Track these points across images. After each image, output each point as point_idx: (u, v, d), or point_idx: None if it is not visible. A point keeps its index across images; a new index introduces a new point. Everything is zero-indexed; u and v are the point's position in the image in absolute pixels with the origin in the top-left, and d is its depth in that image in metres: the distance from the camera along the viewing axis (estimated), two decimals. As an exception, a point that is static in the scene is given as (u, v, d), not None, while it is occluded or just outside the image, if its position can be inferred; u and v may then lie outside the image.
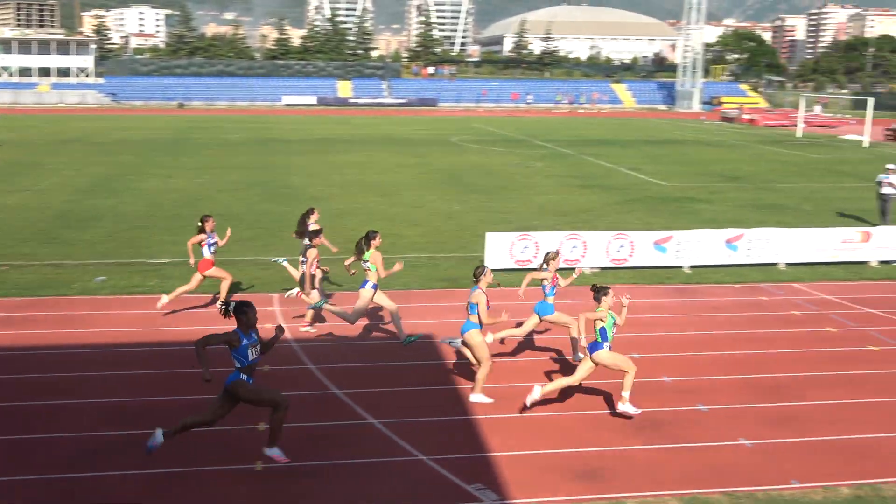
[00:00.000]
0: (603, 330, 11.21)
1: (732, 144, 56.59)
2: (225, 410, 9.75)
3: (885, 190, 25.75)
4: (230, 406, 9.75)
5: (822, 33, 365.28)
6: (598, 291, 11.35)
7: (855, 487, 9.72)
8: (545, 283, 13.04)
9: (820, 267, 20.48)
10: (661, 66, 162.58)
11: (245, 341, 9.54)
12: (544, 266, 13.16)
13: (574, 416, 11.59)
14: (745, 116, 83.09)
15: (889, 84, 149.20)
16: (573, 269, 15.54)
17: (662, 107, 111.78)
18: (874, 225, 23.62)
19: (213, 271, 15.54)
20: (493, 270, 15.83)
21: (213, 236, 15.52)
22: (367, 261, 13.62)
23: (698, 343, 14.86)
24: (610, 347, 11.24)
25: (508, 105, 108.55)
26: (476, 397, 11.93)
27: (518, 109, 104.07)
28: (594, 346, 11.25)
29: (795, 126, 69.40)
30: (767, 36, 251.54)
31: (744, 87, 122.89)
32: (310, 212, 16.02)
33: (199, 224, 15.46)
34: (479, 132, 62.84)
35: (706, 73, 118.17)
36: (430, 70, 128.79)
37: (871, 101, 63.68)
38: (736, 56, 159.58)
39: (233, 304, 9.71)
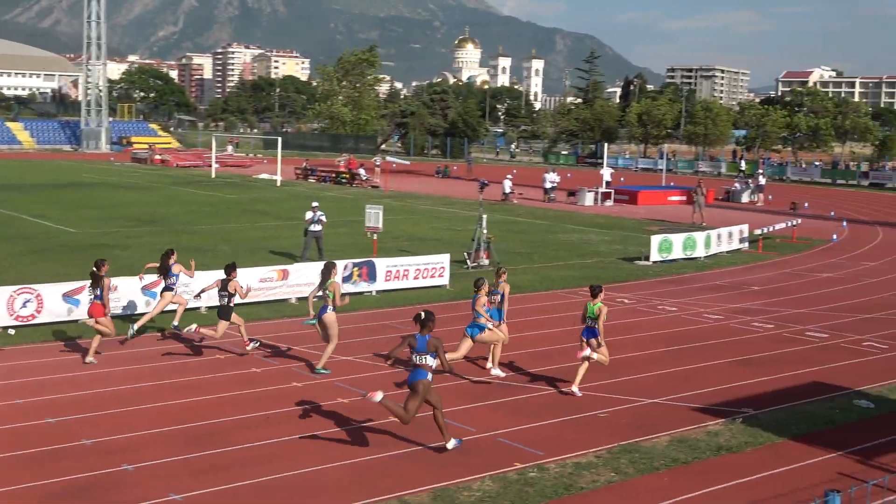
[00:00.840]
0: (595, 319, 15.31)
1: (147, 186, 56.76)
2: (417, 406, 12.08)
3: (314, 227, 27.78)
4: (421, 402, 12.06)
5: (229, 73, 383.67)
6: (595, 289, 15.58)
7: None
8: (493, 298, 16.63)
9: (241, 307, 21.30)
10: (63, 104, 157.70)
11: (420, 343, 12.07)
12: (497, 281, 17.04)
13: (-19, 499, 10.64)
14: (158, 157, 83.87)
15: (297, 124, 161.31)
16: None
17: (68, 147, 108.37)
18: (297, 261, 25.26)
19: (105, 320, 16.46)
20: None
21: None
22: (327, 288, 16.23)
23: (121, 398, 14.57)
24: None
25: None
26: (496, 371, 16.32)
27: None
28: (592, 332, 15.41)
29: (209, 166, 71.76)
30: (175, 74, 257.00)
31: (154, 126, 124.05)
32: (169, 253, 17.95)
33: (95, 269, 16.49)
34: None
35: (113, 111, 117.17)
36: None
37: (280, 140, 68.33)
38: (143, 94, 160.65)
39: (423, 314, 12.34)
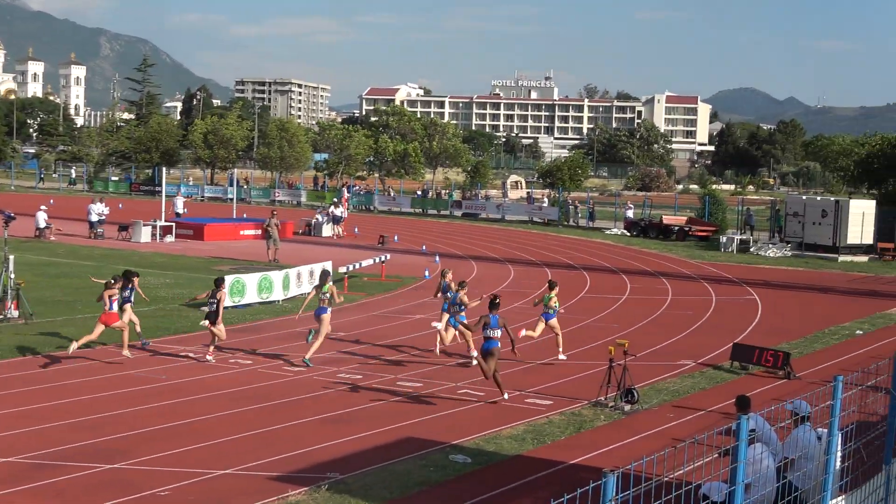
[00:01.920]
0: (555, 307, 24.57)
1: None
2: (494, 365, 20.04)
3: None
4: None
5: None
6: (551, 283, 25.17)
7: None
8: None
9: None
10: None
11: (493, 321, 19.93)
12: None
13: None
14: None
15: None
16: None
17: None
18: None
19: (118, 323, 23.23)
20: None
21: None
22: (326, 292, 23.81)
23: None
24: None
25: None
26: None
27: None
28: (549, 315, 24.34)
29: None
30: None
31: None
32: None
33: (112, 280, 23.59)
34: None
35: None
36: None
37: None
38: None
39: (496, 297, 20.96)
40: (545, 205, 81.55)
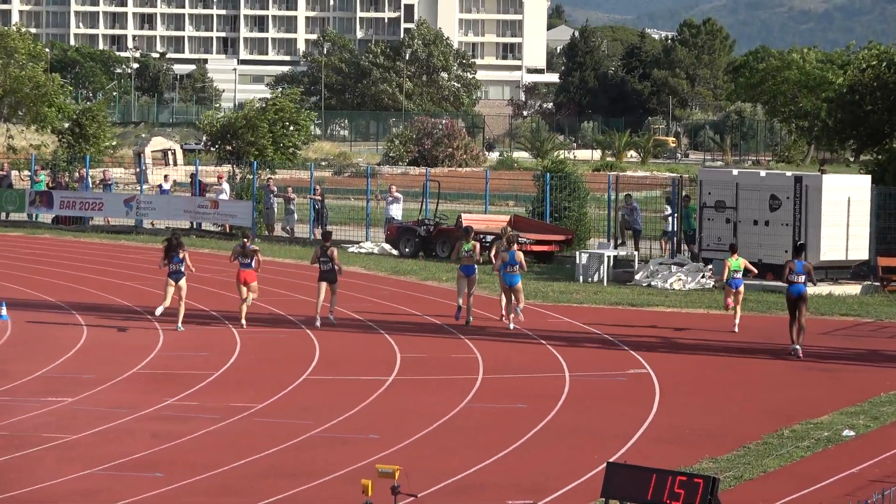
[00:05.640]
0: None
1: None
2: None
3: None
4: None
5: None
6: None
7: None
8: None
9: None
10: None
11: (798, 266, 44.83)
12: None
13: None
14: None
15: None
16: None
17: None
18: None
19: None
20: None
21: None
22: (469, 249, 50.23)
23: None
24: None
25: None
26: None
27: None
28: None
29: None
30: None
31: None
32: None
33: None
34: None
35: None
36: None
37: None
38: None
39: (797, 241, 56.81)
40: (224, 196, 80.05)
